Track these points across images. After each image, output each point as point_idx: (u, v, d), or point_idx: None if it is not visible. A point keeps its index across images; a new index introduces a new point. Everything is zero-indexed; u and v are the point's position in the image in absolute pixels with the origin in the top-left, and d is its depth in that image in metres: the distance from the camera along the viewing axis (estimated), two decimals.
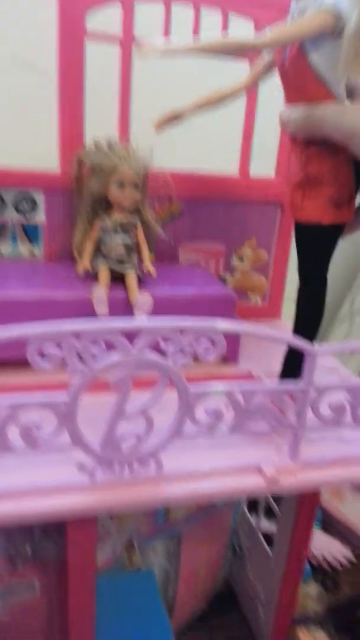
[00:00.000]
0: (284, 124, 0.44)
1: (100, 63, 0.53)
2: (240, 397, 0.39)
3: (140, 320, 0.43)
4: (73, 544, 0.40)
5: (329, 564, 0.92)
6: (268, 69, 0.47)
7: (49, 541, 0.48)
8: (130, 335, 0.35)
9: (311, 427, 0.42)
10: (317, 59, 0.39)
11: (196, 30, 0.55)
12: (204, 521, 0.73)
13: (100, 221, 0.54)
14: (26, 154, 0.56)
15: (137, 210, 0.55)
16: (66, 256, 0.60)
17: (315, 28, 0.37)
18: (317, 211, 0.43)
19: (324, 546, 0.92)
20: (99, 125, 0.55)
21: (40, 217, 0.58)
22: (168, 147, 0.56)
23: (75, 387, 0.35)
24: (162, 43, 0.40)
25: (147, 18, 0.54)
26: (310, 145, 0.43)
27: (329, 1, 0.38)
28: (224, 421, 0.40)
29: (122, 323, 0.34)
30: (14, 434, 0.35)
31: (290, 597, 0.71)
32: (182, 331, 0.36)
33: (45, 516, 0.37)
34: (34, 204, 0.57)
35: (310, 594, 0.84)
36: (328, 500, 1.00)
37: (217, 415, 0.39)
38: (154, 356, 0.35)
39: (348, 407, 0.41)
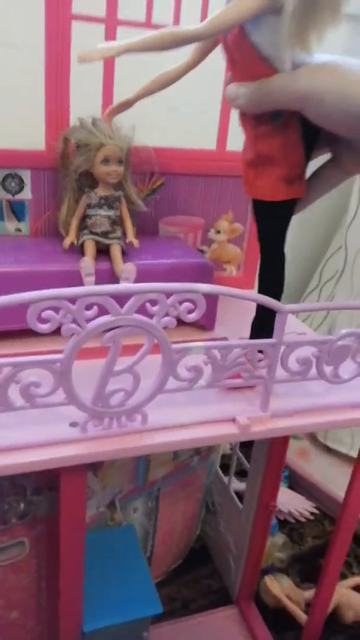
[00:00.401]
0: (230, 100, 0.44)
1: (84, 43, 0.56)
2: (217, 353, 0.44)
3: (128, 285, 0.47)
4: (66, 491, 0.45)
5: (294, 517, 0.99)
6: (214, 44, 0.48)
7: (40, 497, 0.52)
8: (121, 300, 0.39)
9: (280, 380, 0.46)
10: (259, 38, 0.40)
11: (178, 7, 0.58)
12: (180, 480, 0.78)
13: (85, 197, 0.57)
14: (13, 135, 0.58)
15: (120, 186, 0.58)
16: (51, 232, 0.63)
17: (254, 9, 0.37)
18: (270, 189, 0.46)
19: (290, 501, 0.99)
20: (83, 104, 0.58)
21: (26, 194, 0.60)
22: (149, 124, 0.59)
23: (70, 346, 0.38)
24: (103, 45, 0.40)
25: None
26: (260, 124, 0.44)
27: None
28: (202, 377, 0.44)
29: (113, 287, 0.38)
30: (14, 392, 0.39)
31: (258, 546, 0.78)
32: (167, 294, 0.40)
33: (42, 465, 0.41)
34: (20, 181, 0.60)
35: (277, 544, 0.90)
36: (294, 460, 1.07)
37: (196, 371, 0.44)
38: (141, 316, 0.39)
39: (314, 361, 0.46)
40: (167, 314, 0.41)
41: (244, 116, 0.46)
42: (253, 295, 0.44)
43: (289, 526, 0.99)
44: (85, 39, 0.55)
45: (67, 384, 0.39)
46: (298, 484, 1.06)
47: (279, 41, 0.39)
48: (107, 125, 0.56)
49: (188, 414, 0.46)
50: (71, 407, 0.41)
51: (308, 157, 0.47)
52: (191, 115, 0.68)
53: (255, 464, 0.74)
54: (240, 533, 0.80)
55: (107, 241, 0.56)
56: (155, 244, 0.64)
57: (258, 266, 0.51)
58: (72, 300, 0.37)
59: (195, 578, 0.89)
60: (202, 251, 0.72)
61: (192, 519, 0.86)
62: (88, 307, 0.38)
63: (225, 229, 0.71)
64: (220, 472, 0.86)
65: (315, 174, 0.50)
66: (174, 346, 0.42)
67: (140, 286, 0.39)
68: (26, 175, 0.60)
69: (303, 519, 0.99)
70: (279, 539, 0.92)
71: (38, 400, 0.39)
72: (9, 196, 0.60)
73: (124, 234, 0.58)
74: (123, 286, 0.39)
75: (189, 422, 0.45)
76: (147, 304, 0.40)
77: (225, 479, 0.84)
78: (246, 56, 0.42)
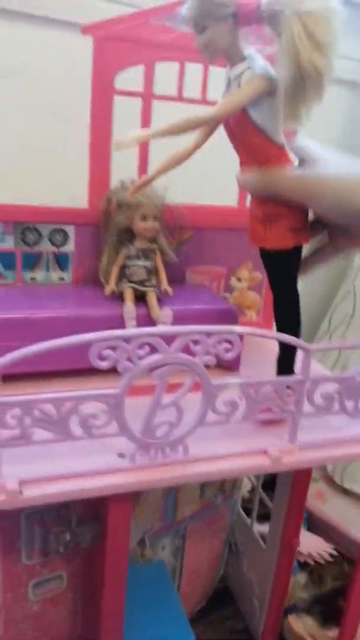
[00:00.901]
0: (241, 187, 0.53)
1: (122, 116, 0.63)
2: (251, 389, 0.48)
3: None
4: (113, 519, 0.48)
5: (314, 559, 1.00)
6: (216, 126, 0.55)
7: (84, 528, 0.55)
8: (166, 341, 0.44)
9: (306, 414, 0.51)
10: (256, 115, 0.48)
11: (205, 84, 0.66)
12: (206, 519, 0.80)
13: (125, 249, 0.63)
14: (59, 195, 0.65)
15: (154, 239, 0.64)
16: (90, 281, 0.69)
17: (254, 93, 0.46)
18: (279, 239, 0.53)
19: (309, 543, 1.00)
20: (120, 168, 0.65)
21: (69, 247, 0.67)
22: (177, 184, 0.66)
23: (125, 381, 0.43)
24: (135, 134, 0.49)
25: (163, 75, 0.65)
26: None
27: (259, 66, 0.47)
28: (238, 411, 0.48)
29: (163, 329, 0.43)
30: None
31: (282, 585, 0.79)
32: (208, 335, 0.45)
33: (95, 492, 0.45)
34: (65, 235, 0.66)
35: (299, 582, 0.91)
36: (312, 503, 1.09)
37: (232, 405, 0.48)
38: (185, 355, 0.44)
39: (337, 397, 0.51)
40: (207, 353, 0.46)
41: None
42: (283, 336, 0.49)
43: (309, 568, 1.00)
44: (124, 110, 0.63)
45: (120, 417, 0.44)
46: (316, 526, 1.07)
47: (272, 116, 0.48)
48: None
49: (224, 446, 0.50)
50: (115, 438, 0.45)
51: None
52: (213, 175, 0.75)
53: (278, 502, 0.76)
54: (264, 572, 0.81)
55: (143, 289, 0.62)
56: (184, 291, 0.70)
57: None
58: (127, 340, 0.42)
59: (219, 618, 0.90)
60: (225, 298, 0.77)
61: (216, 558, 0.88)
62: (140, 347, 0.43)
63: (246, 277, 0.77)
64: (242, 512, 0.89)
65: (311, 251, 0.58)
66: (214, 382, 0.46)
67: (185, 328, 0.44)
68: (70, 230, 0.66)
69: (322, 561, 1.00)
70: (301, 578, 0.93)
71: (94, 431, 0.44)
72: (54, 249, 0.66)
73: (159, 281, 0.64)
74: (171, 328, 0.44)
75: (225, 454, 0.49)
76: (190, 344, 0.45)
77: (248, 520, 0.86)
78: (245, 130, 0.50)
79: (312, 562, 1.00)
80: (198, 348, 0.45)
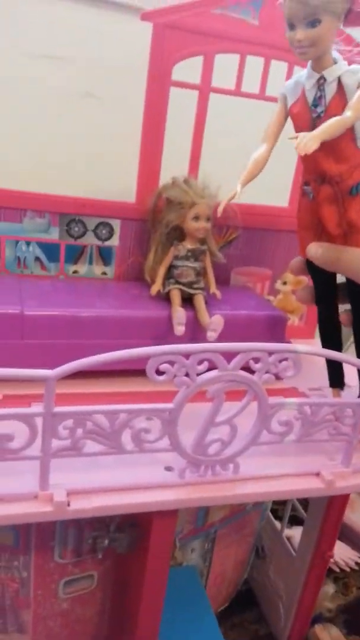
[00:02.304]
0: (311, 259, 0.52)
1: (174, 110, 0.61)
2: (308, 409, 0.46)
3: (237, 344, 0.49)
4: (157, 532, 0.47)
5: (339, 567, 0.98)
6: (282, 127, 0.53)
7: (122, 534, 0.54)
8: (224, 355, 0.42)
9: None
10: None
11: (265, 78, 0.63)
12: (235, 524, 0.79)
13: (174, 248, 0.60)
14: (107, 188, 0.63)
15: (203, 240, 0.62)
16: (132, 277, 0.67)
17: None
18: None
19: (336, 550, 0.98)
20: (170, 163, 0.62)
21: (114, 241, 0.65)
22: (229, 183, 0.63)
23: (181, 397, 0.41)
24: (313, 137, 0.45)
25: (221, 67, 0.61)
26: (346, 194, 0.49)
27: None
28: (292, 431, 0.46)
29: (224, 345, 0.41)
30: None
31: (312, 595, 0.78)
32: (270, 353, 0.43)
33: (142, 507, 0.44)
34: (111, 229, 0.64)
35: (327, 593, 0.90)
36: None
37: (287, 425, 0.46)
38: (245, 373, 0.42)
39: None
40: (267, 371, 0.43)
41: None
42: (351, 359, 0.46)
43: (333, 575, 0.98)
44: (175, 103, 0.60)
45: (173, 432, 0.42)
46: (343, 533, 1.05)
47: None
48: (197, 184, 0.60)
49: (274, 465, 0.48)
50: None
51: None
52: (265, 174, 0.72)
53: (313, 512, 0.75)
54: (293, 580, 0.80)
55: (191, 291, 0.59)
56: (230, 293, 0.67)
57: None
58: (186, 355, 0.40)
59: (241, 622, 0.89)
60: (268, 300, 0.75)
61: (242, 562, 0.87)
62: (199, 362, 0.41)
63: (291, 280, 0.74)
64: (271, 517, 0.87)
65: None
66: (270, 401, 0.44)
67: (247, 345, 0.42)
68: (116, 224, 0.64)
69: (348, 569, 0.99)
70: (329, 588, 0.91)
71: (146, 446, 0.42)
72: (99, 242, 0.64)
73: (206, 284, 0.61)
74: (233, 345, 0.42)
75: (277, 475, 0.47)
76: (250, 361, 0.43)
77: (277, 525, 0.85)
78: (341, 137, 0.47)
79: (337, 570, 0.99)
80: (258, 366, 0.43)
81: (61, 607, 0.63)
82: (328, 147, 0.47)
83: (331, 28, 0.44)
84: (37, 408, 0.38)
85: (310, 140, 0.44)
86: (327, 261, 0.51)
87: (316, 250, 0.51)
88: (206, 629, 0.62)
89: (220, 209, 0.54)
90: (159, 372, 0.40)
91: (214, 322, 0.55)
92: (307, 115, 0.49)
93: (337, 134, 0.45)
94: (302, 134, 0.44)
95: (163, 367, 0.40)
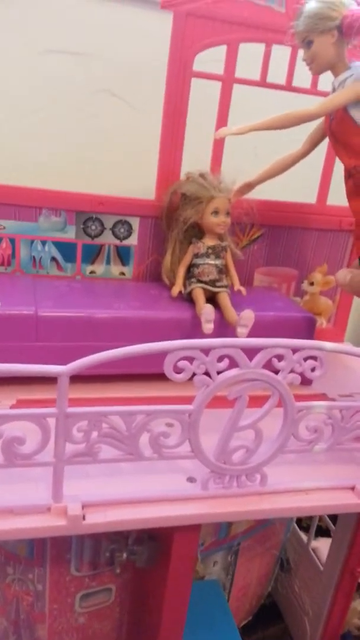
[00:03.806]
0: (341, 286, 0.54)
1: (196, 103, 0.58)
2: (339, 414, 0.43)
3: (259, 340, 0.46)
4: (179, 548, 0.44)
5: None
6: (322, 136, 0.57)
7: (141, 547, 0.51)
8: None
9: None
10: (358, 114, 0.50)
11: (292, 69, 0.60)
12: (259, 535, 0.75)
13: (193, 246, 0.58)
14: (125, 186, 0.61)
15: (222, 236, 0.59)
16: (151, 277, 0.64)
17: (355, 95, 0.48)
18: None
19: None
20: (192, 161, 0.60)
21: (133, 240, 0.62)
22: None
23: (201, 397, 0.38)
24: (238, 126, 0.50)
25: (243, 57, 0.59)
26: None
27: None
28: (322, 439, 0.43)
29: (246, 340, 0.38)
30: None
31: (340, 611, 0.74)
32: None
33: (161, 522, 0.40)
34: (129, 228, 0.62)
35: (355, 609, 0.85)
36: None
37: (316, 431, 0.43)
38: (268, 372, 0.39)
39: None
40: (292, 371, 0.40)
41: None
42: None
43: None
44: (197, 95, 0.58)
45: (194, 436, 0.39)
46: None
47: None
48: (215, 178, 0.57)
49: (303, 476, 0.45)
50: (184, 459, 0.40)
51: None
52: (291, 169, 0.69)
53: (342, 525, 0.71)
54: (319, 595, 0.76)
55: (215, 289, 0.57)
56: (254, 293, 0.65)
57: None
58: (205, 351, 0.38)
59: (265, 637, 0.85)
60: (295, 301, 0.71)
61: (266, 575, 0.83)
62: (219, 359, 0.38)
63: (319, 281, 0.71)
64: (297, 528, 0.83)
65: None
66: (297, 404, 0.41)
67: (271, 341, 0.39)
68: (135, 223, 0.62)
69: None
70: (359, 604, 0.87)
71: (165, 452, 0.39)
72: (117, 241, 0.62)
73: (229, 282, 0.59)
74: (256, 341, 0.39)
75: (306, 488, 0.44)
76: (274, 360, 0.40)
77: (303, 536, 0.81)
78: (346, 130, 0.51)
79: None
80: (282, 364, 0.40)
81: (78, 621, 0.61)
82: (342, 142, 0.52)
83: (324, 44, 0.49)
84: (49, 408, 0.36)
85: (228, 129, 0.50)
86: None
87: (344, 276, 0.54)
88: None
89: (232, 196, 0.56)
90: (178, 371, 0.37)
91: (245, 317, 0.52)
92: (327, 119, 0.53)
93: (285, 127, 0.49)
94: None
95: (181, 364, 0.37)
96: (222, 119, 0.60)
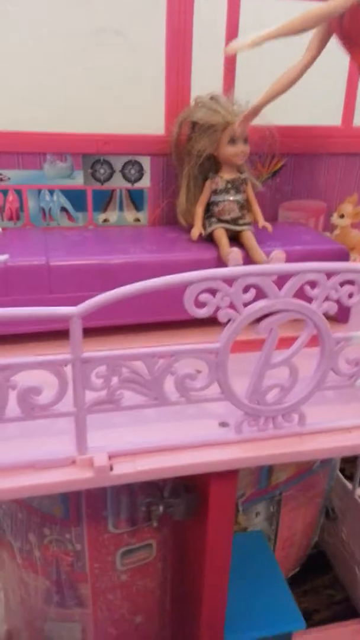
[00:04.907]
0: None
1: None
2: None
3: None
4: (216, 497, 0.41)
5: None
6: (328, 35, 0.48)
7: (177, 500, 0.49)
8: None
9: None
10: None
11: None
12: (302, 484, 0.73)
13: (210, 182, 0.53)
14: (134, 122, 0.56)
15: (240, 167, 0.54)
16: (169, 221, 0.60)
17: None
18: None
19: None
20: (202, 83, 0.55)
21: (145, 182, 0.58)
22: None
23: (228, 333, 0.35)
24: (250, 36, 0.43)
25: None
26: None
27: None
28: None
29: (274, 267, 0.34)
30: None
31: None
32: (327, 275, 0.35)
33: (195, 469, 0.38)
34: (140, 168, 0.58)
35: None
36: None
37: (357, 364, 0.39)
38: (300, 301, 0.35)
39: None
40: (327, 298, 0.36)
41: None
42: None
43: None
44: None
45: (223, 377, 0.36)
46: None
47: None
48: (228, 101, 0.52)
49: (344, 414, 0.42)
50: (215, 404, 0.37)
51: None
52: (310, 89, 0.63)
53: None
54: None
55: (237, 228, 0.52)
56: (279, 229, 0.60)
57: None
58: (229, 282, 0.34)
59: (314, 587, 0.84)
60: (325, 234, 0.66)
61: (311, 525, 0.81)
62: (245, 290, 0.34)
63: (349, 212, 0.66)
64: (342, 476, 0.80)
65: None
66: (335, 335, 0.37)
67: (301, 266, 0.35)
68: (146, 162, 0.58)
69: None
70: None
71: (192, 395, 0.36)
72: (129, 185, 0.58)
73: (253, 218, 0.54)
74: (284, 266, 0.35)
75: (349, 426, 0.40)
76: (306, 287, 0.36)
77: (349, 484, 0.78)
78: None
79: None
80: (315, 292, 0.36)
81: (120, 579, 0.60)
82: (356, 42, 0.45)
83: None
84: (64, 355, 0.33)
85: (241, 42, 0.43)
86: None
87: None
88: (278, 596, 0.56)
89: (239, 121, 0.50)
90: (200, 305, 0.34)
91: (275, 257, 0.48)
92: (336, 20, 0.46)
93: (305, 30, 0.42)
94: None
95: (203, 297, 0.34)
96: (231, 36, 0.54)
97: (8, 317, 0.32)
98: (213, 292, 0.34)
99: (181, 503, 0.49)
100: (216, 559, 0.46)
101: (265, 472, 0.67)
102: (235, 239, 0.52)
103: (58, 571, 0.57)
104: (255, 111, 0.51)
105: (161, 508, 0.48)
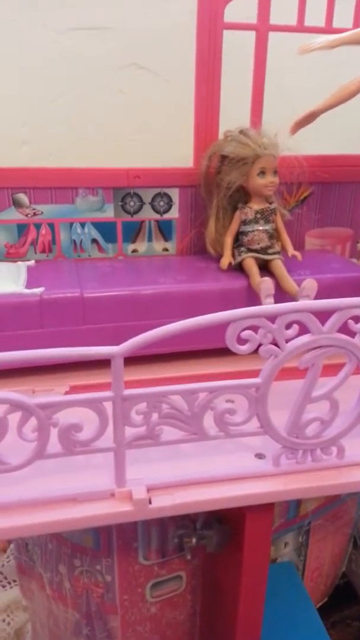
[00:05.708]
0: None
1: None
2: None
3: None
4: (252, 530, 0.41)
5: None
6: None
7: (210, 532, 0.49)
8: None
9: None
10: None
11: (329, 17, 0.55)
12: (330, 514, 0.72)
13: (239, 212, 0.54)
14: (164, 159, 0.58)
15: (269, 198, 0.55)
16: (197, 251, 0.61)
17: None
18: None
19: None
20: (230, 119, 0.56)
21: (174, 213, 0.59)
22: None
23: (269, 369, 0.35)
24: (323, 38, 0.47)
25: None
26: None
27: None
28: None
29: (317, 303, 0.34)
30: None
31: None
32: None
33: (231, 502, 0.37)
34: (169, 200, 0.58)
35: None
36: None
37: None
38: (344, 336, 0.35)
39: None
40: None
41: None
42: None
43: None
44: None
45: (262, 411, 0.36)
46: None
47: None
48: (257, 134, 0.53)
49: None
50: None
51: None
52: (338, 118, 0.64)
53: None
54: None
55: (267, 257, 0.53)
56: (308, 257, 0.60)
57: None
58: (271, 318, 0.34)
59: (342, 619, 0.82)
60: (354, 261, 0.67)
61: (339, 555, 0.79)
62: (287, 326, 0.35)
63: None
64: None
65: None
66: None
67: (344, 301, 0.35)
68: (174, 194, 0.58)
69: None
70: None
71: (232, 430, 0.36)
72: (158, 216, 0.59)
73: (282, 247, 0.55)
74: (328, 302, 0.35)
75: None
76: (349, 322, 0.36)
77: None
78: None
79: None
80: (359, 326, 0.36)
81: (150, 611, 0.59)
82: None
83: None
84: (105, 392, 0.33)
85: (316, 43, 0.47)
86: None
87: None
88: (311, 628, 0.55)
89: (292, 126, 0.51)
90: (242, 342, 0.34)
91: (307, 287, 0.47)
92: None
93: None
94: None
95: (245, 334, 0.34)
96: (259, 70, 0.55)
97: (50, 358, 0.32)
98: (255, 328, 0.34)
99: (214, 535, 0.49)
100: (251, 592, 0.45)
101: (294, 502, 0.66)
102: (264, 267, 0.53)
103: (88, 603, 0.57)
104: (312, 117, 0.52)
105: (194, 540, 0.48)
